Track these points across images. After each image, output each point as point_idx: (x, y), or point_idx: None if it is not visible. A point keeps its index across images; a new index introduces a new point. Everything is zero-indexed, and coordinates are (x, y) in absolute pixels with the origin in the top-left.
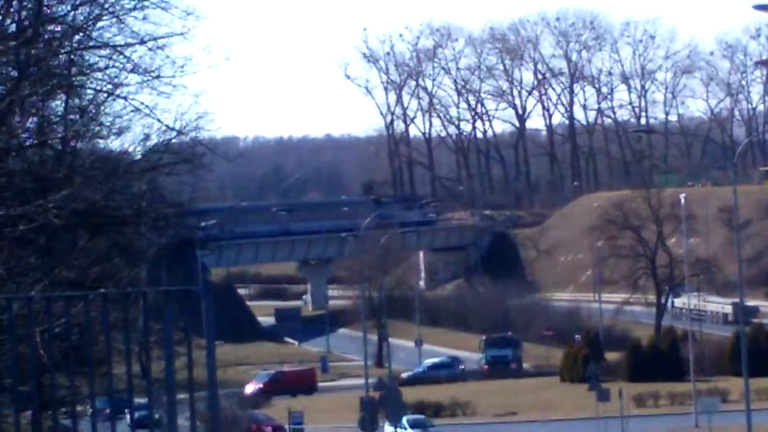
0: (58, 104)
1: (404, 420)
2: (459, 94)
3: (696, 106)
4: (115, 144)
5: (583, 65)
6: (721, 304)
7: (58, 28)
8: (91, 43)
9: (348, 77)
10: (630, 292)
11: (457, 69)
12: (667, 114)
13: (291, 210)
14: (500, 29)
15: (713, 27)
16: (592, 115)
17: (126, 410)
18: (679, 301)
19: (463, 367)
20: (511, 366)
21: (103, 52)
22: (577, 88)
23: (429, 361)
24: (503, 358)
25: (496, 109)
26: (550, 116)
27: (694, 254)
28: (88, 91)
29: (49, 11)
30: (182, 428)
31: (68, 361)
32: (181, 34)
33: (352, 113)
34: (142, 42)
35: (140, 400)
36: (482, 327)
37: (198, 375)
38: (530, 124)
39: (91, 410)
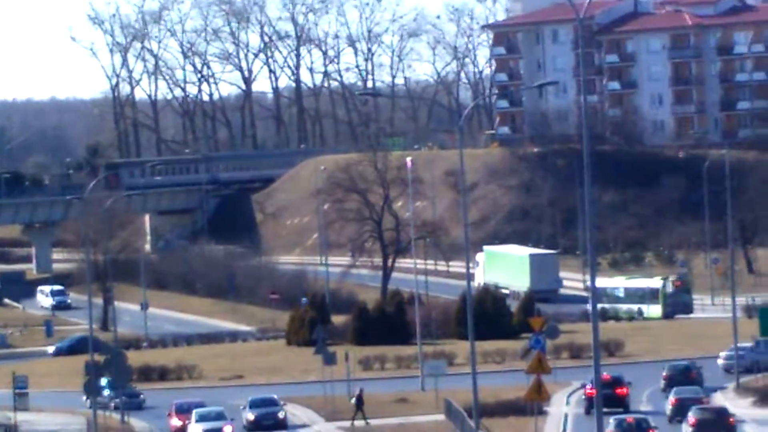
0: None
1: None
2: (185, 56)
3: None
4: None
5: (310, 28)
6: None
7: None
8: None
9: (73, 39)
10: (356, 255)
11: (183, 31)
12: (393, 77)
13: (16, 176)
14: None
15: None
16: (318, 78)
17: None
18: None
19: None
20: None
21: None
22: (303, 51)
23: None
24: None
25: (223, 72)
26: (277, 79)
27: (420, 217)
28: None
29: None
30: None
31: None
32: None
33: (78, 76)
34: None
35: None
36: (208, 290)
37: None
38: (257, 86)
39: None
